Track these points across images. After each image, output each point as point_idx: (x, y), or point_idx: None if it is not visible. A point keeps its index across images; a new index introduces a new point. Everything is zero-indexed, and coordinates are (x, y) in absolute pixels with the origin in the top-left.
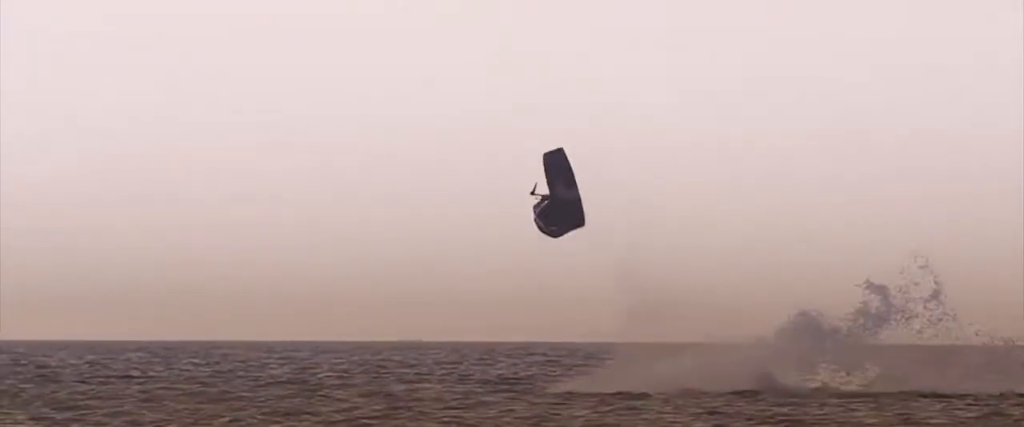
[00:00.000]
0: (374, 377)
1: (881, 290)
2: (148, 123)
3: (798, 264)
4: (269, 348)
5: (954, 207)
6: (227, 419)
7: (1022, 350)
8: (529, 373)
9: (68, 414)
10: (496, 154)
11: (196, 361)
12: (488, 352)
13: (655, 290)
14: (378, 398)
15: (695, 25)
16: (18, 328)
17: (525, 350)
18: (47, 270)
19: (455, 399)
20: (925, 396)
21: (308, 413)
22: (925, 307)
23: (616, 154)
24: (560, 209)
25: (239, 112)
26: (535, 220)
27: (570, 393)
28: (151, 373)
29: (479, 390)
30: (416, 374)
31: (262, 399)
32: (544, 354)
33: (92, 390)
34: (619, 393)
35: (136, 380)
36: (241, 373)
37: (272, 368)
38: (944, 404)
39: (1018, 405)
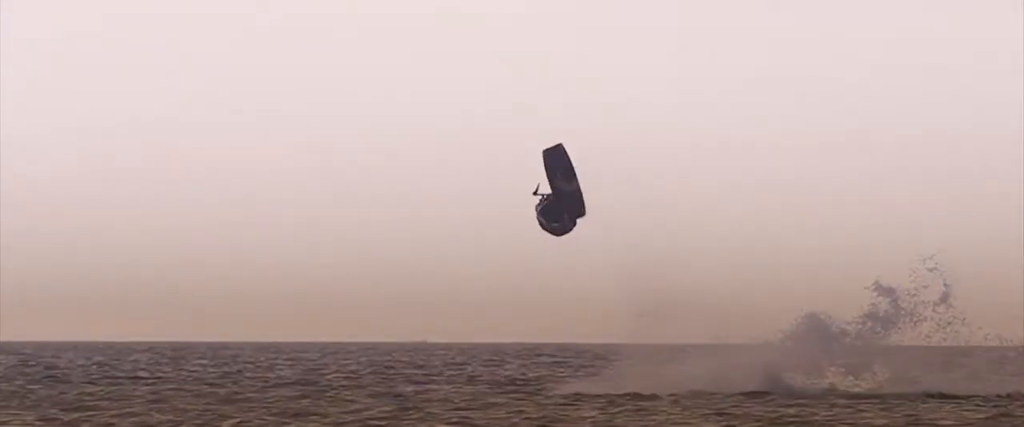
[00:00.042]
0: (383, 378)
1: (890, 292)
2: (148, 123)
3: (802, 264)
4: (276, 349)
5: (954, 208)
6: (237, 420)
7: None
8: (537, 374)
9: (77, 415)
10: (496, 154)
11: (204, 362)
12: (496, 353)
13: (660, 291)
14: (387, 399)
15: (695, 25)
16: (18, 328)
17: (533, 351)
18: (47, 270)
19: (464, 400)
20: (933, 397)
21: (318, 414)
22: (934, 310)
23: (616, 154)
24: (561, 202)
25: (239, 112)
26: (537, 218)
27: (579, 394)
28: (159, 374)
29: (488, 391)
30: (424, 375)
31: (271, 400)
32: (552, 355)
33: (101, 391)
34: (628, 394)
35: (145, 381)
36: (250, 374)
37: (280, 369)
38: (952, 405)
39: None
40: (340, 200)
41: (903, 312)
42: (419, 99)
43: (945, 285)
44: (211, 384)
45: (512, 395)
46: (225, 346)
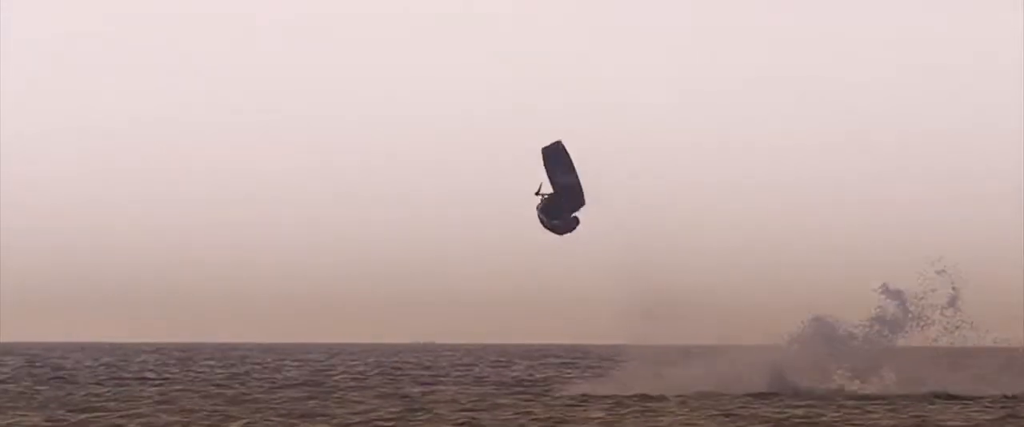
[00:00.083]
0: (390, 379)
1: (898, 295)
2: (148, 123)
3: (802, 264)
4: (283, 350)
5: (954, 208)
6: (244, 421)
7: None
8: (545, 375)
9: (84, 416)
10: (496, 154)
11: (212, 363)
12: (503, 354)
13: (661, 291)
14: (394, 400)
15: (695, 25)
16: (18, 329)
17: (540, 352)
18: (47, 270)
19: (471, 401)
20: (940, 397)
21: (326, 415)
22: (942, 314)
23: (616, 154)
24: (561, 195)
25: (239, 112)
26: (538, 216)
27: (586, 395)
28: (166, 375)
29: (495, 392)
30: (431, 376)
31: (279, 401)
32: (558, 356)
33: (108, 392)
34: (635, 395)
35: (152, 382)
36: (257, 375)
37: (287, 370)
38: (960, 406)
39: None
40: (340, 200)
41: (911, 316)
42: (419, 99)
43: (953, 288)
44: (218, 385)
45: (519, 396)
46: (232, 347)
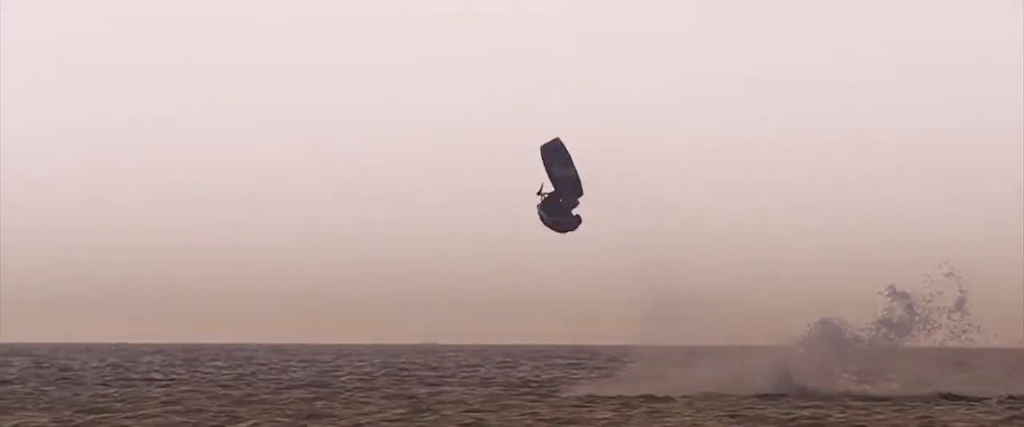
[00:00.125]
0: (396, 380)
1: (904, 297)
2: (148, 123)
3: (802, 264)
4: (289, 351)
5: (954, 208)
6: (251, 422)
7: None
8: (551, 376)
9: (92, 417)
10: (496, 154)
11: (218, 364)
12: (509, 355)
13: (661, 291)
14: (401, 401)
15: (695, 25)
16: (18, 329)
17: (546, 353)
18: (47, 270)
19: (478, 402)
20: (946, 398)
21: (333, 416)
22: (949, 317)
23: (616, 154)
24: (560, 189)
25: (239, 112)
26: (538, 213)
27: (593, 396)
28: (173, 376)
29: (502, 393)
30: (438, 377)
31: (286, 402)
32: (564, 357)
33: (115, 393)
34: (642, 396)
35: (159, 383)
36: (264, 376)
37: (294, 371)
38: (965, 407)
39: None
40: (340, 200)
41: (918, 318)
42: (419, 99)
43: (961, 291)
44: (225, 386)
45: (526, 397)
46: (236, 347)
